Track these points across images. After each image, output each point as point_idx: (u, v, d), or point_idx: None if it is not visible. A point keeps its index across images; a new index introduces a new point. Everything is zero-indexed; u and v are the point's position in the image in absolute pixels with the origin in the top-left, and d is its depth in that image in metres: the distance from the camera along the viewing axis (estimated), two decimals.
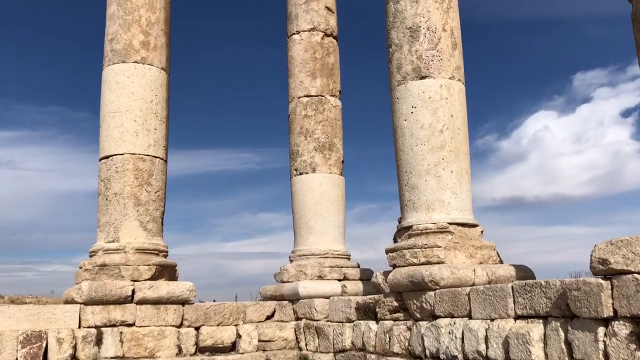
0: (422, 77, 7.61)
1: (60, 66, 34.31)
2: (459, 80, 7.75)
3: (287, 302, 9.97)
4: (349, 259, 10.69)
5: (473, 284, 6.65)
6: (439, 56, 7.64)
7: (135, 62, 9.26)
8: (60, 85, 35.15)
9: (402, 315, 7.29)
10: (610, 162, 35.31)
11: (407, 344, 6.98)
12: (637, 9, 5.05)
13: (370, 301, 7.96)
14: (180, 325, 8.68)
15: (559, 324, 4.97)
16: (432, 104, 7.53)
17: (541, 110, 38.03)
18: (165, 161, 9.50)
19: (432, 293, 6.72)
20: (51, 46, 34.01)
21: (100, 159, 9.23)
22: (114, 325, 8.23)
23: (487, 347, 5.72)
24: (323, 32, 11.23)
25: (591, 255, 4.66)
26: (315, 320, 9.27)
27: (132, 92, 9.16)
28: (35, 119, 35.59)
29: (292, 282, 10.11)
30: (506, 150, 38.38)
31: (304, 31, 11.18)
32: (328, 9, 11.42)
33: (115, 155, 9.02)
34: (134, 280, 8.52)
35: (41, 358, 7.62)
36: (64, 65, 34.55)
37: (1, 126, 35.60)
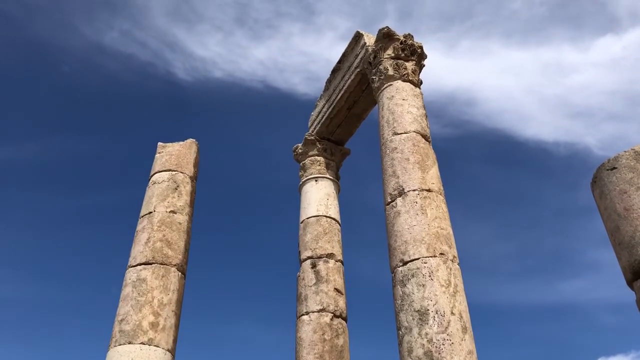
0: None
1: (67, 349, 33.83)
2: None
3: None
4: None
5: None
6: (450, 340, 7.50)
7: (142, 343, 9.11)
8: None
9: None
10: None
11: None
12: None
13: None
14: None
15: None
16: None
17: None
18: None
19: None
20: (57, 329, 34.10)
21: None
22: None
23: None
24: (332, 313, 11.29)
25: None
26: None
27: None
28: None
29: None
30: None
31: (313, 312, 11.25)
32: (337, 290, 11.68)
33: None
34: None
35: None
36: (70, 348, 34.11)
37: None
